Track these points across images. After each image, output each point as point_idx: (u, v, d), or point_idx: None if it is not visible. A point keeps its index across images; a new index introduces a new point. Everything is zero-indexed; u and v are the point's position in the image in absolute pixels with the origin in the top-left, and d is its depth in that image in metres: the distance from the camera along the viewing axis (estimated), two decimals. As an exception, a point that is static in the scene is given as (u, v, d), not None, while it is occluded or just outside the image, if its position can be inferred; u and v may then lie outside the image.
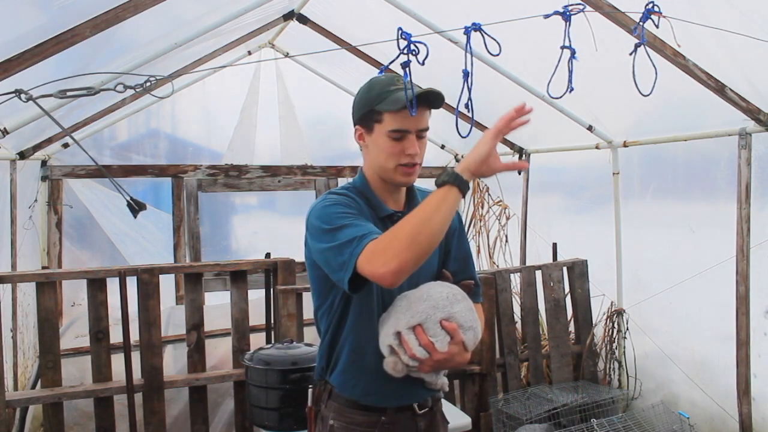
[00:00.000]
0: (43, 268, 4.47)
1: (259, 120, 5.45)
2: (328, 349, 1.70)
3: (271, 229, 5.56)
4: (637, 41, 2.38)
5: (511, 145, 4.89)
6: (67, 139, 4.36)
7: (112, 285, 3.10)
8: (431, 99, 1.61)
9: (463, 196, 1.47)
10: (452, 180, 1.44)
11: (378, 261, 1.39)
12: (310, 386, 1.79)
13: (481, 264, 5.38)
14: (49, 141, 4.24)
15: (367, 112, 1.64)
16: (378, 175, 1.68)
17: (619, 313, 4.03)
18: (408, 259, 1.39)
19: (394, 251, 1.38)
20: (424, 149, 1.68)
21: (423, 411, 1.74)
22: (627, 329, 4.01)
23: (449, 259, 1.80)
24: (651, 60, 2.43)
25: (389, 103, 1.58)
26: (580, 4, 2.38)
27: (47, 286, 2.97)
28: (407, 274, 1.42)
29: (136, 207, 3.31)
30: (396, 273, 1.39)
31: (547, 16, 2.38)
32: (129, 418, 3.06)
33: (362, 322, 1.63)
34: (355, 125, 1.70)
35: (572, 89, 2.48)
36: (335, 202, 1.59)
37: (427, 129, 1.66)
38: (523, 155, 4.87)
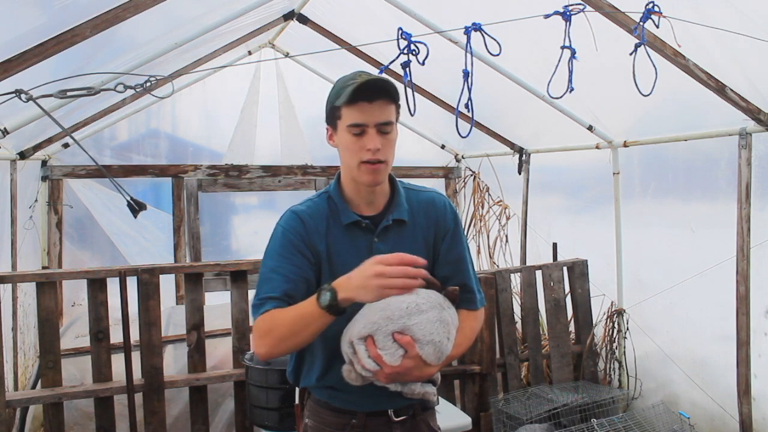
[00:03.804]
0: (44, 268, 4.48)
1: (260, 120, 5.45)
2: (296, 353, 1.70)
3: (272, 229, 5.56)
4: (637, 41, 2.38)
5: (512, 145, 4.89)
6: (68, 139, 4.36)
7: (113, 285, 3.10)
8: (374, 89, 1.53)
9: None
10: (332, 310, 1.45)
11: (255, 341, 1.56)
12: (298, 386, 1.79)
13: (482, 264, 5.38)
14: (50, 141, 4.24)
15: (329, 109, 1.62)
16: (350, 178, 1.64)
17: (620, 313, 4.03)
18: (277, 352, 1.55)
19: (266, 342, 1.52)
20: (391, 147, 1.60)
21: (401, 418, 1.68)
22: (627, 329, 4.01)
23: (438, 262, 1.71)
24: (651, 60, 2.44)
25: (344, 97, 1.53)
26: (580, 4, 2.39)
27: (47, 286, 2.97)
28: (279, 356, 1.57)
29: (136, 207, 3.32)
30: (265, 356, 1.56)
31: (547, 16, 2.39)
32: (129, 418, 3.06)
33: (332, 326, 1.55)
34: (326, 126, 1.67)
35: (572, 89, 2.49)
36: (280, 237, 1.62)
37: (389, 123, 1.57)
38: (523, 155, 4.87)
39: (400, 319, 1.50)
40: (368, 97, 1.53)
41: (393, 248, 1.62)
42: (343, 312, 1.47)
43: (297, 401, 1.81)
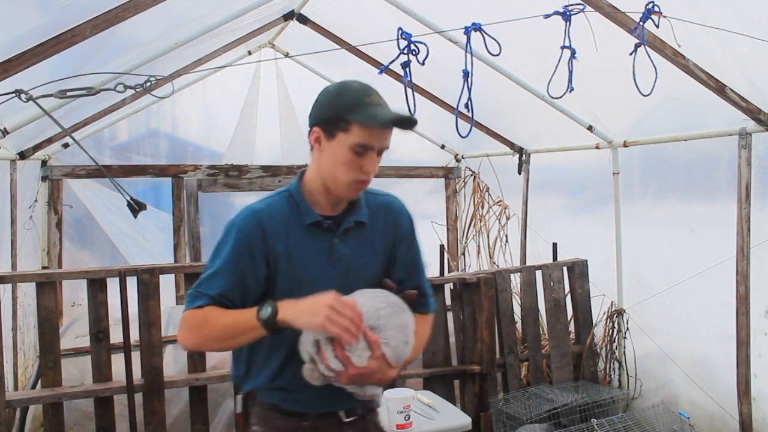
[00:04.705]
0: (44, 268, 4.47)
1: (260, 120, 5.45)
2: (248, 353, 1.66)
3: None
4: (637, 41, 2.38)
5: (511, 145, 4.89)
6: (68, 139, 4.36)
7: (113, 285, 3.09)
8: (404, 123, 1.54)
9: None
10: (268, 326, 1.48)
11: (181, 332, 1.57)
12: (239, 393, 1.74)
13: (482, 264, 5.39)
14: (49, 141, 4.24)
15: (334, 117, 1.54)
16: (323, 182, 1.61)
17: (620, 313, 4.03)
18: (204, 349, 1.66)
19: (193, 336, 1.56)
20: (377, 168, 1.62)
21: (351, 419, 1.68)
22: (627, 329, 4.01)
23: (395, 266, 1.72)
24: (651, 60, 2.44)
25: (364, 117, 1.50)
26: (580, 4, 2.39)
27: (47, 286, 2.96)
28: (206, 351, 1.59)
29: (136, 207, 3.32)
30: (190, 349, 1.65)
31: (547, 16, 2.39)
32: (129, 418, 3.06)
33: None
34: (313, 126, 1.59)
35: (572, 89, 2.49)
36: (233, 237, 1.57)
37: (388, 148, 1.60)
38: (523, 155, 4.87)
39: (367, 321, 1.51)
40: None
41: (353, 250, 1.65)
42: (277, 331, 1.49)
43: (238, 409, 1.74)
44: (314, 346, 1.52)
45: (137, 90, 2.60)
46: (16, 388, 3.65)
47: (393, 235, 1.71)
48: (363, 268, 1.66)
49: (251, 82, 5.36)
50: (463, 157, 5.76)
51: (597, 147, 4.06)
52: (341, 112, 1.53)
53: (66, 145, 4.57)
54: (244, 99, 5.37)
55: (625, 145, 3.88)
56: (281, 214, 1.60)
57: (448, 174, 5.81)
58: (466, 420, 2.83)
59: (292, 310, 1.48)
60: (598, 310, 4.09)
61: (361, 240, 1.67)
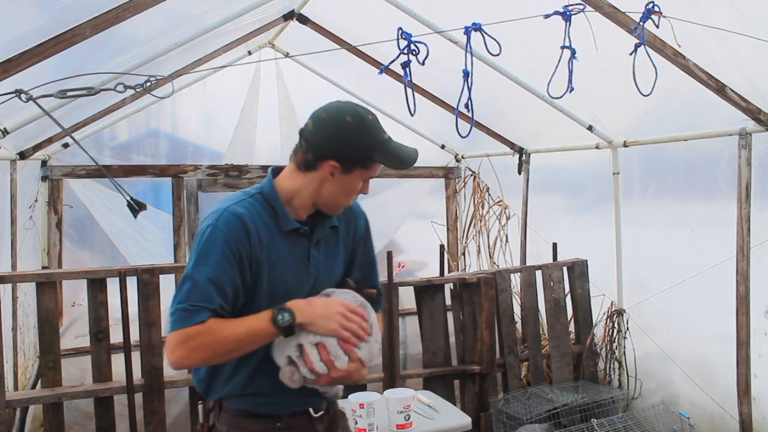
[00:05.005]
0: (44, 268, 4.47)
1: (260, 120, 5.45)
2: None
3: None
4: (637, 41, 2.38)
5: (511, 145, 4.89)
6: (68, 139, 4.36)
7: (113, 285, 3.10)
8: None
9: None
10: (286, 331, 1.52)
11: (180, 350, 1.47)
12: (200, 402, 1.75)
13: (482, 264, 5.38)
14: (49, 141, 4.24)
15: (360, 156, 1.57)
16: (312, 199, 1.63)
17: (620, 313, 4.03)
18: (205, 363, 1.58)
19: (201, 355, 1.49)
20: None
21: (319, 414, 1.72)
22: (627, 329, 4.01)
23: (353, 266, 1.80)
24: (651, 60, 2.44)
25: (392, 160, 1.59)
26: (580, 4, 2.39)
27: (47, 286, 2.97)
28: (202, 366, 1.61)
29: (136, 207, 3.31)
30: (187, 367, 1.58)
31: (547, 16, 2.39)
32: (129, 418, 3.06)
33: None
34: (328, 158, 1.56)
35: (572, 89, 2.49)
36: (221, 243, 1.52)
37: None
38: (523, 155, 4.87)
39: None
40: None
41: (326, 255, 1.70)
42: (291, 334, 1.54)
43: (201, 419, 1.71)
44: (297, 349, 1.55)
45: (137, 90, 2.60)
46: (16, 388, 3.65)
47: (352, 236, 1.78)
48: (330, 271, 1.71)
49: (251, 82, 5.36)
50: (463, 157, 5.76)
51: (597, 147, 4.06)
52: (369, 152, 1.58)
53: (66, 145, 4.56)
54: (244, 99, 5.37)
55: (625, 145, 3.88)
56: (261, 220, 1.59)
57: (448, 174, 5.81)
58: (466, 420, 2.83)
59: (310, 315, 1.54)
60: (598, 310, 4.09)
61: (329, 244, 1.72)
